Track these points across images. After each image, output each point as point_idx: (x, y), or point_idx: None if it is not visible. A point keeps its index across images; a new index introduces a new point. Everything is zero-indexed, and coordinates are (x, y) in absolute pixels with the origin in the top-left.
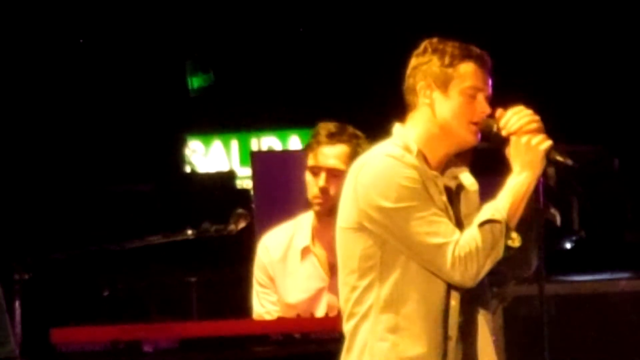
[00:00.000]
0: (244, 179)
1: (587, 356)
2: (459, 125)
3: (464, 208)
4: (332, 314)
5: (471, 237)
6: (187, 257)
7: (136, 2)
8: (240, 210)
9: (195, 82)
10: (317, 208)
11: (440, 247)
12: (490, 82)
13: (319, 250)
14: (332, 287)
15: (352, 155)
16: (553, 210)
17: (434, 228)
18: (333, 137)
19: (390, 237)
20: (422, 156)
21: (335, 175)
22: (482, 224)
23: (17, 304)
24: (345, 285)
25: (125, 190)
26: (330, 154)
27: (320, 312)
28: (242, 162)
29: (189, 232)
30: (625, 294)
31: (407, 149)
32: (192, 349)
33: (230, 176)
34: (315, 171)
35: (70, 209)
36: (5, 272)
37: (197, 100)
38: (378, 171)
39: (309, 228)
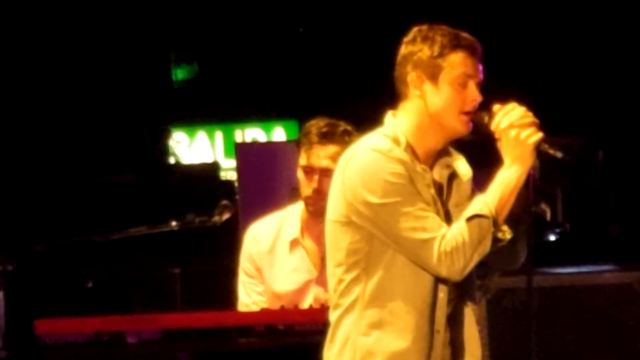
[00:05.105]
0: (228, 171)
1: (570, 348)
2: (450, 115)
3: (455, 198)
4: (318, 306)
5: (458, 231)
6: (171, 249)
7: None
8: (224, 202)
9: (179, 73)
10: (310, 208)
11: (427, 242)
12: (481, 68)
13: (308, 243)
14: (320, 280)
15: None
16: (544, 205)
17: (421, 223)
18: (325, 138)
19: (377, 231)
20: (411, 149)
21: (328, 176)
22: (469, 219)
23: (0, 295)
24: (332, 276)
25: (109, 182)
26: (323, 154)
27: (306, 305)
28: (227, 154)
29: (173, 223)
30: (608, 286)
31: (396, 141)
32: (176, 340)
33: (214, 167)
34: (308, 171)
35: (54, 200)
36: None
37: (182, 91)
38: (364, 166)
39: (298, 220)
